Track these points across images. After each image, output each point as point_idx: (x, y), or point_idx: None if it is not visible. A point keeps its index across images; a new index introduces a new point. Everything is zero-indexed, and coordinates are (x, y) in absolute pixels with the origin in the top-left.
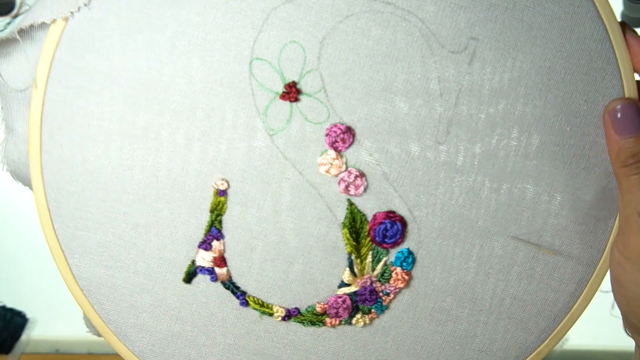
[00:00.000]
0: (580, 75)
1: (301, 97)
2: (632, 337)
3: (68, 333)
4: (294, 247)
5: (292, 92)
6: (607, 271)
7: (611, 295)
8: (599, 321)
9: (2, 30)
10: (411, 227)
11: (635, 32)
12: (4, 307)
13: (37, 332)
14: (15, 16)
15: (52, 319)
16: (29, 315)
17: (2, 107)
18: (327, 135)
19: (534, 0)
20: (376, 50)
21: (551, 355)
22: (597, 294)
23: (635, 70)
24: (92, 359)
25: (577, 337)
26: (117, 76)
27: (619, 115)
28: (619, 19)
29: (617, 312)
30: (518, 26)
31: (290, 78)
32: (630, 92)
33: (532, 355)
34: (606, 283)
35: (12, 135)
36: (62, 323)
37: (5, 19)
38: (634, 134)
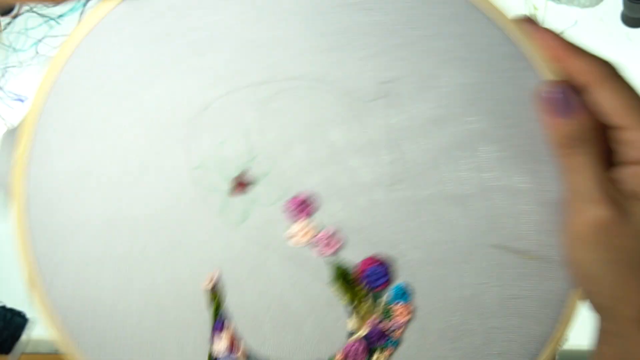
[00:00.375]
0: (497, 79)
1: (249, 187)
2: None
3: None
4: (298, 312)
5: (238, 186)
6: None
7: None
8: None
9: (1, 30)
10: (397, 265)
11: (536, 24)
12: (3, 307)
13: (37, 332)
14: (15, 16)
15: None
16: (29, 315)
17: None
18: (286, 210)
19: (432, 29)
20: (302, 121)
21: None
22: None
23: (554, 60)
24: None
25: (577, 337)
26: (83, 221)
27: (548, 97)
28: (619, 19)
29: None
30: (424, 57)
31: (232, 175)
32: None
33: (551, 344)
34: None
35: None
36: None
37: (6, 19)
38: (566, 115)
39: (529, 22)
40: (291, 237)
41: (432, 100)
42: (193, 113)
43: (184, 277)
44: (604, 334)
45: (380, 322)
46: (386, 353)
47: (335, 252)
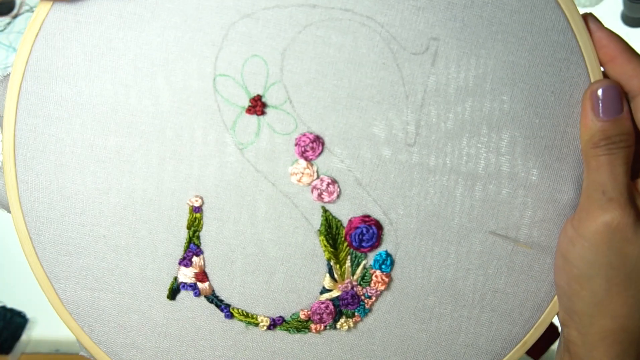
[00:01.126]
0: (545, 66)
1: (267, 109)
2: (562, 323)
3: (68, 333)
4: (274, 257)
5: (257, 106)
6: None
7: None
8: None
9: (2, 30)
10: (387, 230)
11: (599, 22)
12: (4, 307)
13: (37, 332)
14: (15, 16)
15: (52, 319)
16: (29, 315)
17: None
18: (296, 145)
19: None
20: (338, 58)
21: (549, 356)
22: None
23: (600, 62)
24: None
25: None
26: (85, 102)
27: (600, 97)
28: (619, 19)
29: None
30: (478, 23)
31: (254, 92)
32: (596, 78)
33: (517, 346)
34: None
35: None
36: (62, 323)
37: (5, 19)
38: (612, 116)
39: (592, 18)
40: (293, 173)
41: (474, 70)
42: (236, 17)
43: (169, 189)
44: (570, 344)
45: (355, 285)
46: (352, 320)
47: (330, 202)
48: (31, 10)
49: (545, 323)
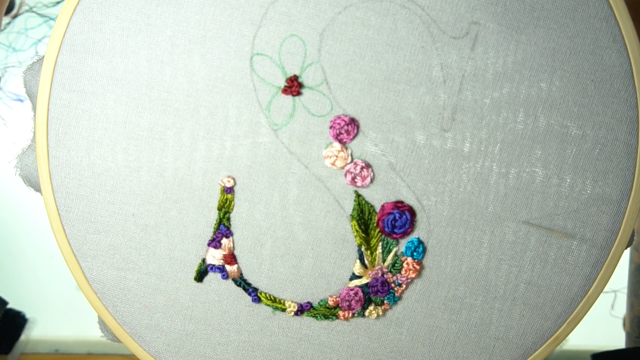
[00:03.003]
0: (586, 54)
1: (303, 90)
2: None
3: (68, 333)
4: (304, 241)
5: (294, 86)
6: (622, 253)
7: (611, 295)
8: (598, 321)
9: (1, 30)
10: (420, 216)
11: None
12: (4, 308)
13: (36, 333)
14: (15, 16)
15: (51, 319)
16: (28, 315)
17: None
18: (331, 127)
19: None
20: (376, 40)
21: (551, 356)
22: None
23: None
24: (92, 359)
25: (577, 337)
26: (120, 78)
27: None
28: None
29: (617, 312)
30: (520, 8)
31: (291, 72)
32: (638, 69)
33: (549, 341)
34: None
35: (34, 140)
36: (61, 323)
37: (5, 19)
38: None
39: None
40: (327, 156)
41: (513, 55)
42: None
43: (201, 168)
44: None
45: (386, 272)
46: (382, 308)
47: (363, 186)
48: (31, 10)
49: (579, 318)
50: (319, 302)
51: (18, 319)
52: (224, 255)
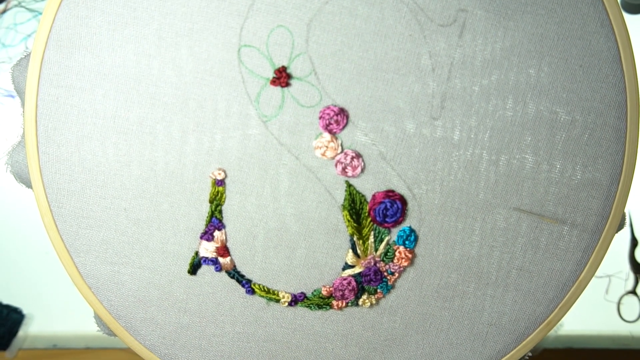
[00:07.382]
0: (574, 40)
1: (292, 81)
2: None
3: (65, 328)
4: (296, 232)
5: (282, 77)
6: (613, 237)
7: (605, 280)
8: (593, 306)
9: None
10: (411, 205)
11: None
12: (0, 304)
13: (34, 328)
14: (4, 11)
15: (49, 315)
16: (25, 311)
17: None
18: (320, 118)
19: None
20: (364, 29)
21: (545, 340)
22: (592, 279)
23: None
24: (90, 354)
25: (571, 322)
26: (108, 72)
27: None
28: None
29: (611, 297)
30: None
31: (279, 63)
32: (626, 54)
33: (541, 326)
34: (600, 269)
35: (24, 137)
36: (59, 319)
37: None
38: None
39: None
40: (317, 147)
41: (501, 42)
42: None
43: (192, 161)
44: None
45: (378, 261)
46: (375, 297)
47: (354, 176)
48: (20, 5)
49: (570, 303)
50: (312, 292)
51: (15, 315)
52: (217, 248)
